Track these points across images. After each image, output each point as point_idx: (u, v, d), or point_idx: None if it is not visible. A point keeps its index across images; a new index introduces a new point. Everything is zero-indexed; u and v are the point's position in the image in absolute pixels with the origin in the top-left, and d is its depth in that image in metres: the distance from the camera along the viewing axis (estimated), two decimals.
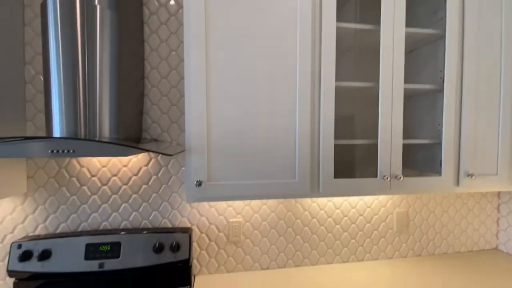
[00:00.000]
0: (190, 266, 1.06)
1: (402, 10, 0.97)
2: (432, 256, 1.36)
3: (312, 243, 1.26)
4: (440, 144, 1.04)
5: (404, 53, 0.98)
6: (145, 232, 1.05)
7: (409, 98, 1.24)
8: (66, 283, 0.98)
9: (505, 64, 1.05)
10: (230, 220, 1.19)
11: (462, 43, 1.02)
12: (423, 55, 1.16)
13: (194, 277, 1.15)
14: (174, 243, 1.03)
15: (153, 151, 0.77)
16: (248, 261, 1.21)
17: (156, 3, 1.11)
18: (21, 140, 0.69)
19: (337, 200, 1.27)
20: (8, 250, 1.04)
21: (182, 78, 1.13)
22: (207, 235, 1.18)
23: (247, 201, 1.20)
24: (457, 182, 1.05)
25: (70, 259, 0.97)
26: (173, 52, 1.13)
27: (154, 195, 1.13)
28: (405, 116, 1.24)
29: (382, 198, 1.32)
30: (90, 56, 0.82)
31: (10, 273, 0.96)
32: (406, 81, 1.20)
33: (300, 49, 0.91)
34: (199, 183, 0.86)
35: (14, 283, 0.97)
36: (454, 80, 1.02)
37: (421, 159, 1.16)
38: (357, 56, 1.24)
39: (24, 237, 1.02)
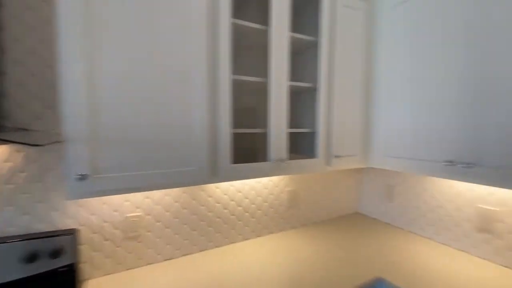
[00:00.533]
0: (75, 271, 0.95)
1: (286, 16, 1.12)
2: (315, 224, 1.66)
3: (216, 227, 1.33)
4: (316, 133, 1.27)
5: (288, 54, 1.14)
6: (10, 241, 0.86)
7: (298, 94, 1.45)
8: None
9: (361, 70, 1.37)
10: (127, 215, 1.12)
11: (333, 51, 1.27)
12: (307, 57, 1.37)
13: (86, 282, 1.03)
14: (54, 249, 0.90)
15: (17, 142, 0.64)
16: (151, 254, 1.18)
17: None
18: None
19: (239, 184, 1.38)
20: None
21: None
22: (101, 234, 1.07)
23: (148, 194, 1.16)
24: (329, 163, 1.32)
25: None
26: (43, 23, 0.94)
27: (24, 196, 0.94)
28: (294, 109, 1.45)
29: (276, 179, 1.51)
30: None
31: None
32: (294, 79, 1.39)
33: (196, 42, 0.93)
34: (82, 177, 0.77)
35: None
36: (327, 80, 1.26)
37: (305, 145, 1.39)
38: (258, 53, 1.35)
39: None
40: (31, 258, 0.86)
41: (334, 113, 1.30)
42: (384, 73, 1.35)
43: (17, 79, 0.91)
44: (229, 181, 1.07)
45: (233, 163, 1.05)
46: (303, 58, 1.40)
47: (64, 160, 0.94)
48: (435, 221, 1.42)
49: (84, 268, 1.05)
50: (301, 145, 1.41)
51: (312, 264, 1.18)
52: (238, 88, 1.25)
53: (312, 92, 1.31)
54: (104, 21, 0.79)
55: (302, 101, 1.42)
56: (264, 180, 1.47)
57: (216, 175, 1.02)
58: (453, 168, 1.07)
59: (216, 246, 1.34)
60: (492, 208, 1.19)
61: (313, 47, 1.29)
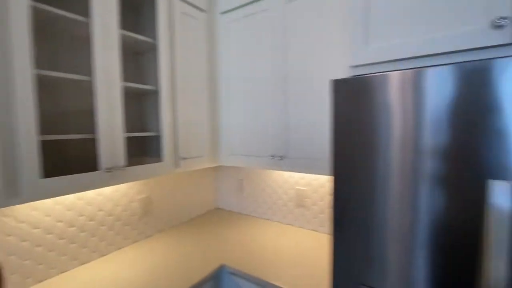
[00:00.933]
0: None
1: (114, 11, 1.03)
2: (172, 228, 1.65)
3: (36, 258, 1.06)
4: (161, 136, 1.26)
5: (120, 53, 1.06)
6: None
7: (142, 96, 1.38)
8: None
9: (206, 73, 1.47)
10: None
11: (174, 55, 1.29)
12: (149, 59, 1.33)
13: None
14: None
15: None
16: None
17: None
18: None
19: (68, 201, 1.16)
20: None
21: None
22: None
23: None
24: (177, 165, 1.34)
25: None
26: None
27: None
28: (139, 112, 1.37)
29: (124, 188, 1.38)
30: None
31: None
32: (136, 81, 1.32)
33: None
34: None
35: None
36: (169, 83, 1.27)
37: (152, 149, 1.35)
38: (74, 46, 1.17)
39: None
40: None
41: (179, 116, 1.33)
42: (225, 77, 1.51)
43: None
44: (38, 200, 0.87)
45: (43, 177, 0.86)
46: (145, 59, 1.35)
47: None
48: (272, 204, 1.74)
49: None
50: (149, 149, 1.36)
51: (164, 267, 1.16)
52: (56, 87, 1.04)
53: (155, 95, 1.28)
54: None
55: (147, 104, 1.36)
56: (107, 191, 1.31)
57: (17, 194, 0.80)
58: (274, 160, 1.34)
59: (39, 281, 1.07)
60: (303, 188, 1.59)
61: (153, 49, 1.27)
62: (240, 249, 1.34)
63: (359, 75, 0.83)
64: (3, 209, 0.97)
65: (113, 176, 1.05)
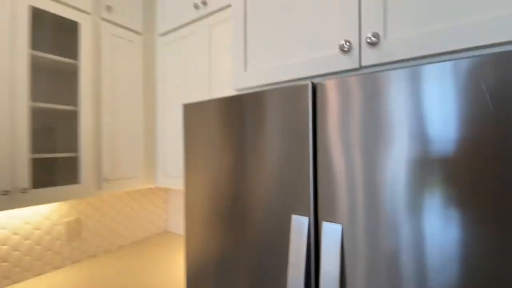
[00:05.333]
0: None
1: (24, 32, 1.04)
2: (109, 252, 1.57)
3: None
4: (80, 157, 1.22)
5: (28, 72, 1.05)
6: None
7: (59, 116, 1.35)
8: None
9: (140, 95, 1.47)
10: None
11: (100, 76, 1.29)
12: (69, 80, 1.33)
13: None
14: None
15: None
16: None
17: None
18: None
19: None
20: None
21: None
22: None
23: None
24: (100, 186, 1.29)
25: None
26: None
27: None
28: (54, 132, 1.35)
29: (46, 211, 1.33)
30: None
31: None
32: (54, 101, 1.31)
33: None
34: None
35: None
36: (93, 104, 1.25)
37: (65, 171, 1.31)
38: None
39: None
40: None
41: (103, 136, 1.31)
42: (161, 97, 1.51)
43: None
44: None
45: None
46: (65, 80, 1.35)
47: None
48: None
49: None
50: (60, 171, 1.32)
51: None
52: None
53: (74, 115, 1.27)
54: None
55: (65, 124, 1.34)
56: (24, 213, 1.25)
57: None
58: None
59: None
60: None
61: (75, 70, 1.27)
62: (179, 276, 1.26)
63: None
64: None
65: (11, 200, 1.00)
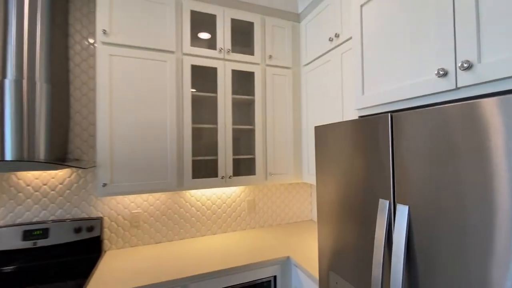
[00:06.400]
0: (101, 241, 1.64)
1: (229, 84, 1.80)
2: (271, 226, 2.21)
3: (191, 223, 1.96)
4: (255, 158, 1.89)
5: (231, 108, 1.81)
6: (68, 220, 1.59)
7: (245, 132, 2.09)
8: (5, 256, 1.45)
9: (291, 114, 2.00)
10: (132, 211, 1.81)
11: (265, 104, 1.92)
12: (250, 109, 2.04)
13: (105, 252, 1.71)
14: (89, 226, 1.61)
15: (72, 166, 1.36)
16: (146, 239, 1.84)
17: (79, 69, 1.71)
18: None
19: (208, 193, 2.02)
20: None
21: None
22: (115, 223, 1.77)
23: (145, 197, 1.85)
24: (266, 178, 1.92)
25: (10, 240, 1.45)
26: (91, 103, 1.73)
27: (75, 197, 1.68)
28: (241, 143, 2.09)
29: (238, 191, 2.12)
30: (29, 106, 1.38)
31: None
32: (241, 123, 2.05)
33: (170, 105, 1.65)
34: (104, 184, 1.48)
35: None
36: (260, 125, 1.90)
37: (247, 167, 2.01)
38: (207, 108, 2.05)
39: None
40: (77, 230, 1.57)
41: (268, 145, 1.92)
42: (304, 116, 1.96)
43: (77, 134, 1.69)
44: (191, 190, 1.71)
45: (193, 178, 1.71)
46: (248, 109, 2.07)
47: (96, 176, 1.66)
48: None
49: (105, 243, 1.73)
50: (245, 166, 2.03)
51: (256, 247, 1.74)
52: (199, 132, 1.94)
53: (252, 131, 1.96)
54: (117, 110, 1.54)
55: (246, 138, 2.06)
56: (229, 191, 2.09)
57: (182, 186, 1.67)
58: None
59: (192, 237, 1.96)
60: None
61: (252, 102, 1.96)
62: (308, 250, 1.69)
63: (362, 115, 1.07)
64: (177, 192, 1.93)
65: (224, 182, 1.78)
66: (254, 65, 1.90)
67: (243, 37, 2.11)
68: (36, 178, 1.61)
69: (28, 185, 1.59)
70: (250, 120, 2.04)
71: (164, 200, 1.90)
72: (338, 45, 1.61)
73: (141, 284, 1.30)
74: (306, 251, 1.67)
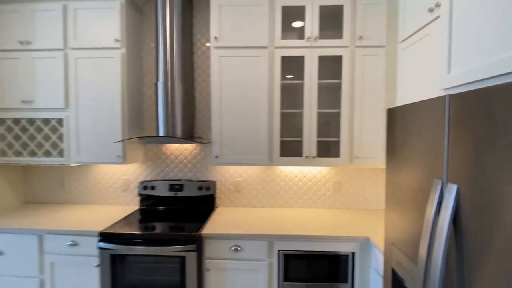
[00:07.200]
0: (214, 198, 2.20)
1: (315, 70, 1.92)
2: (357, 210, 2.24)
3: (281, 194, 2.27)
4: (340, 141, 1.95)
5: (317, 93, 1.92)
6: (194, 180, 2.22)
7: (326, 116, 2.14)
8: (160, 199, 2.21)
9: (381, 98, 1.91)
10: (236, 179, 2.29)
11: (353, 87, 1.92)
12: (336, 93, 2.07)
13: (216, 207, 2.28)
14: (207, 187, 2.18)
15: (198, 142, 1.90)
16: (245, 202, 2.29)
17: (201, 76, 2.26)
18: (148, 137, 1.88)
19: (296, 170, 2.25)
20: (136, 186, 2.32)
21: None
22: (223, 187, 2.30)
23: (245, 169, 2.28)
24: (351, 161, 1.95)
25: (162, 190, 2.20)
26: (208, 96, 2.27)
27: (199, 164, 2.29)
28: (324, 125, 2.16)
29: (324, 171, 2.25)
30: (171, 100, 1.99)
31: (139, 195, 2.22)
32: (326, 107, 2.12)
33: (263, 93, 1.95)
34: (216, 156, 1.97)
35: (140, 200, 2.24)
36: (347, 108, 1.93)
37: (332, 149, 2.08)
38: (294, 94, 2.20)
39: (142, 181, 2.28)
40: (200, 188, 2.17)
41: (355, 128, 1.93)
42: (399, 95, 1.83)
43: (199, 119, 2.28)
44: (279, 166, 1.99)
45: (281, 156, 1.98)
46: (334, 93, 2.11)
47: (211, 150, 2.19)
48: None
49: (217, 201, 2.30)
50: (332, 149, 2.11)
51: (339, 225, 1.88)
52: (286, 116, 2.15)
53: (338, 115, 2.01)
54: (226, 102, 1.97)
55: (332, 121, 2.12)
56: (314, 171, 2.25)
57: (272, 161, 1.98)
58: None
59: (280, 207, 2.28)
60: None
61: (339, 86, 1.99)
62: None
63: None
64: (269, 167, 2.25)
65: (308, 161, 1.96)
66: (342, 48, 1.92)
67: (331, 21, 2.13)
68: (176, 150, 2.31)
69: (171, 154, 2.31)
70: (337, 103, 2.08)
71: (259, 173, 2.28)
72: (439, 17, 1.42)
73: (239, 232, 1.72)
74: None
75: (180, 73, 2.01)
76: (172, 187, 2.21)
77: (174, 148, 2.31)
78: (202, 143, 2.01)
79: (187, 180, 2.24)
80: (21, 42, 2.02)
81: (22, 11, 2.02)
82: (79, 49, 2.00)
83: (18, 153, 2.12)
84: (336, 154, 2.03)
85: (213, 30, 1.94)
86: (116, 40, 1.97)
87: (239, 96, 1.96)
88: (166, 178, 2.32)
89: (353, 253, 1.70)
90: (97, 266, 1.74)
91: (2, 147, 2.10)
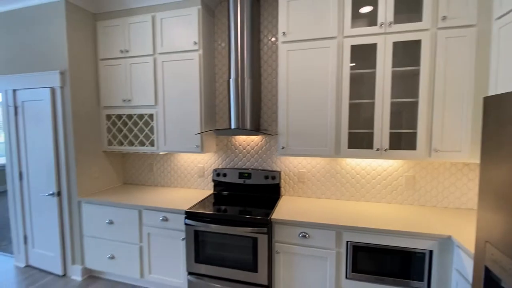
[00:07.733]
0: (279, 187, 2.32)
1: (389, 57, 1.82)
2: (434, 207, 2.06)
3: (346, 187, 2.25)
4: (417, 132, 1.82)
5: (390, 82, 1.83)
6: (260, 170, 2.37)
7: (401, 105, 1.99)
8: (231, 185, 2.44)
9: (468, 84, 1.71)
10: (300, 170, 2.35)
11: (433, 73, 1.76)
12: (412, 81, 1.91)
13: (282, 196, 2.39)
14: (273, 176, 2.31)
15: (264, 134, 2.03)
16: (309, 193, 2.34)
17: (269, 75, 2.37)
18: (223, 129, 2.08)
19: (364, 163, 2.19)
20: (210, 173, 2.59)
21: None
22: (288, 177, 2.39)
23: (309, 160, 2.32)
24: (429, 154, 1.81)
25: (232, 177, 2.41)
26: (274, 89, 2.36)
27: (264, 155, 2.43)
28: (398, 116, 2.02)
29: (396, 165, 2.13)
30: (242, 95, 2.14)
31: (213, 181, 2.49)
32: (400, 97, 1.98)
33: (330, 85, 1.95)
34: (282, 147, 2.06)
35: (214, 185, 2.50)
36: (426, 96, 1.78)
37: (407, 141, 1.94)
38: (362, 84, 2.09)
39: (215, 169, 2.53)
40: (266, 177, 2.31)
41: (434, 119, 1.77)
42: (493, 83, 1.60)
43: (265, 112, 2.40)
44: (346, 158, 1.96)
45: (349, 148, 1.96)
46: (411, 80, 1.95)
47: (277, 141, 2.29)
48: None
49: (282, 190, 2.41)
50: (407, 141, 1.98)
51: (410, 218, 1.80)
52: (356, 107, 2.09)
53: (413, 105, 1.87)
54: (293, 97, 2.04)
55: (405, 111, 1.97)
56: (384, 164, 2.16)
57: (339, 153, 1.98)
58: None
59: (346, 199, 2.26)
60: None
61: (416, 75, 1.84)
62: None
63: None
64: (334, 159, 2.24)
65: (379, 154, 1.89)
66: (421, 31, 1.77)
67: (407, 4, 1.96)
68: (244, 141, 2.49)
69: (240, 145, 2.50)
70: (413, 92, 1.94)
71: (323, 164, 2.30)
72: None
73: (308, 220, 1.79)
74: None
75: (249, 70, 2.15)
76: (241, 175, 2.41)
77: (242, 139, 2.49)
78: (270, 134, 2.14)
79: (253, 169, 2.40)
80: (122, 51, 2.44)
81: (121, 24, 2.43)
82: (164, 53, 2.31)
83: (120, 143, 2.60)
84: (412, 147, 1.90)
85: (281, 25, 2.01)
86: (195, 43, 2.21)
87: (306, 88, 2.00)
88: (236, 167, 2.53)
89: (431, 252, 1.60)
90: (183, 239, 2.05)
91: (109, 138, 2.60)
